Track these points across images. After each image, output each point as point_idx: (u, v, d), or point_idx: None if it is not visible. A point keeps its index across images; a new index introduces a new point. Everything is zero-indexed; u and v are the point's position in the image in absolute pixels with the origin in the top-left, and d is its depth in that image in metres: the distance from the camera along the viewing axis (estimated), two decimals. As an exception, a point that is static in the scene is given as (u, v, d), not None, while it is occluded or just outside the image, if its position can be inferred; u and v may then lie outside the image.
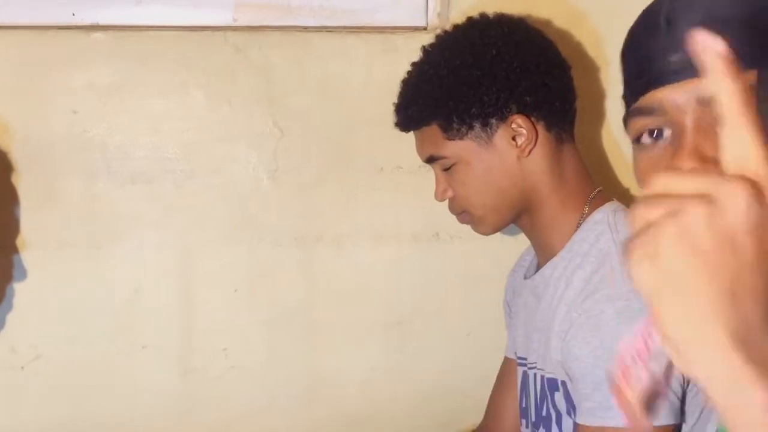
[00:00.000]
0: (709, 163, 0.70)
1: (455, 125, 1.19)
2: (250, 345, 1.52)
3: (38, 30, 1.41)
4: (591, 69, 1.49)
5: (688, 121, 0.73)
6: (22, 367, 1.46)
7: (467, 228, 1.28)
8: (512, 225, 1.27)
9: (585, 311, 1.07)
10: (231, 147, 1.48)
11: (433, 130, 1.21)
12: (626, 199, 1.25)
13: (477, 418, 1.47)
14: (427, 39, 1.29)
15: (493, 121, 1.18)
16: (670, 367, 0.65)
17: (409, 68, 1.28)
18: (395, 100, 1.28)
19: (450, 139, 1.20)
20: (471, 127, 1.18)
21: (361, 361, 1.55)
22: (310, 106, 1.49)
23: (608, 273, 1.09)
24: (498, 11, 1.26)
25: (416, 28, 1.47)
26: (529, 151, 1.18)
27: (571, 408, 1.13)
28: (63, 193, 1.44)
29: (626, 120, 0.79)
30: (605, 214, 1.17)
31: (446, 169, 1.23)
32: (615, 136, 1.49)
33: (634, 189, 1.31)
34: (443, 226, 1.52)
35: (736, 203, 0.50)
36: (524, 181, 1.19)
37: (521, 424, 1.30)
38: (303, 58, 1.48)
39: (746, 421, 0.51)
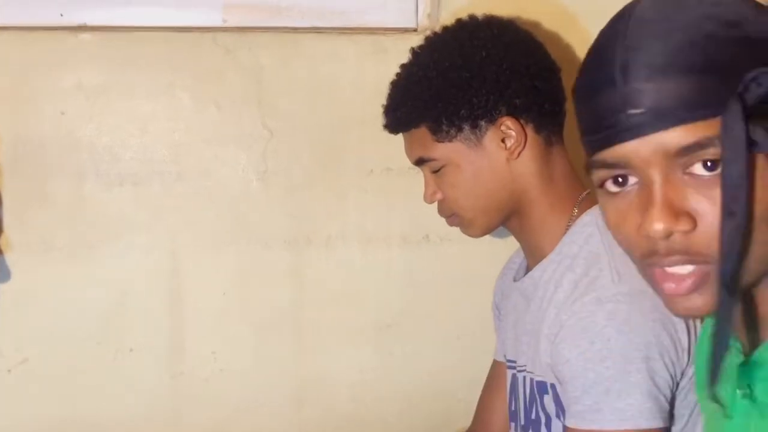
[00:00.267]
0: (680, 215, 0.70)
1: (444, 127, 1.18)
2: (239, 347, 1.52)
3: (26, 31, 1.40)
4: (581, 71, 1.49)
5: (656, 176, 0.72)
6: (9, 370, 1.45)
7: (457, 230, 1.28)
8: (502, 227, 1.26)
9: (574, 313, 1.07)
10: (220, 148, 1.48)
11: (422, 132, 1.21)
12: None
13: (467, 420, 1.47)
14: (417, 40, 1.29)
15: (483, 123, 1.18)
16: None
17: (398, 70, 1.27)
18: (385, 101, 1.28)
19: (439, 141, 1.19)
20: (460, 129, 1.18)
21: (351, 363, 1.55)
22: (299, 108, 1.48)
23: (598, 275, 1.09)
24: (488, 13, 1.26)
25: (406, 30, 1.47)
26: (519, 154, 1.18)
27: (561, 411, 1.13)
28: (51, 194, 1.43)
29: (588, 168, 0.78)
30: (594, 216, 1.17)
31: (435, 172, 1.23)
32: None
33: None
34: (433, 228, 1.52)
35: None
36: (513, 183, 1.19)
37: (510, 428, 1.30)
38: (292, 60, 1.48)
39: None
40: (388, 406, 1.56)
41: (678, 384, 1.06)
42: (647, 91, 0.70)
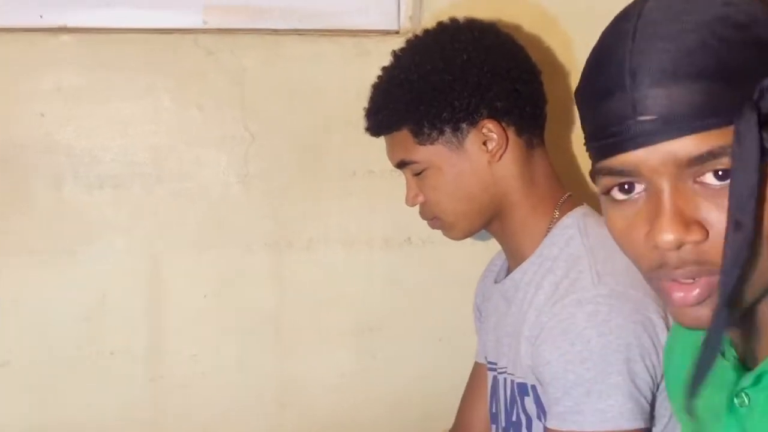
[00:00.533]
0: (691, 225, 0.68)
1: (426, 130, 1.18)
2: (220, 351, 1.51)
3: (5, 32, 1.38)
4: (561, 74, 1.50)
5: (666, 184, 0.69)
6: (-12, 374, 1.44)
7: (439, 233, 1.28)
8: (483, 230, 1.27)
9: (555, 315, 1.07)
10: (201, 151, 1.47)
11: (404, 134, 1.21)
12: (596, 204, 1.25)
13: (448, 423, 1.47)
14: (399, 42, 1.29)
15: (464, 126, 1.18)
16: None
17: (380, 72, 1.27)
18: (367, 104, 1.28)
19: (421, 144, 1.20)
20: (442, 132, 1.18)
21: (333, 366, 1.54)
22: (281, 110, 1.48)
23: (578, 277, 1.09)
24: (469, 15, 1.26)
25: (388, 32, 1.46)
26: (500, 156, 1.18)
27: (542, 413, 1.13)
28: (29, 197, 1.42)
29: (593, 175, 0.75)
30: (575, 219, 1.17)
31: (417, 174, 1.23)
32: (586, 140, 1.50)
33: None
34: (415, 231, 1.51)
35: None
36: (495, 186, 1.19)
37: (491, 429, 1.30)
38: (275, 61, 1.47)
39: None
40: (370, 409, 1.56)
41: (658, 385, 1.06)
42: (658, 97, 0.67)
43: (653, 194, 0.70)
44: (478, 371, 1.41)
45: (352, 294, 1.53)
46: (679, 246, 0.68)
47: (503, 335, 1.23)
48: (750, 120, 0.63)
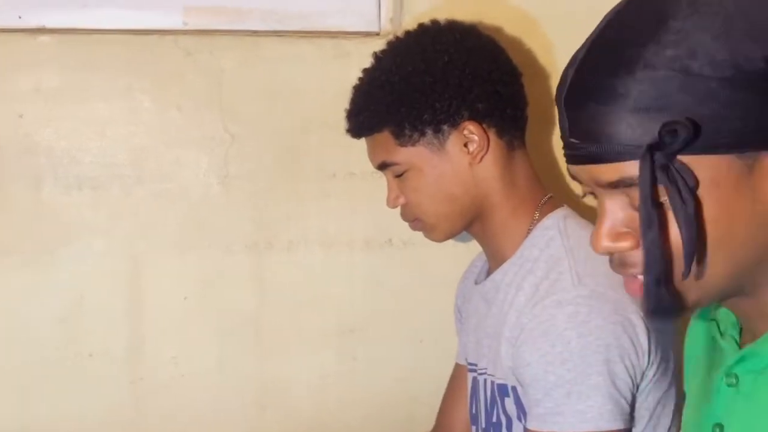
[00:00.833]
0: (621, 236, 0.73)
1: (407, 132, 1.18)
2: (201, 353, 1.50)
3: (-18, 32, 1.38)
4: (542, 76, 1.50)
5: (602, 197, 0.74)
6: (-35, 377, 1.43)
7: (420, 234, 1.28)
8: (464, 231, 1.27)
9: (535, 317, 1.08)
10: (180, 152, 1.46)
11: (385, 136, 1.21)
12: (577, 205, 1.26)
13: (429, 424, 1.47)
14: (380, 44, 1.29)
15: (445, 127, 1.18)
16: None
17: (361, 74, 1.27)
18: (347, 105, 1.28)
19: (402, 146, 1.20)
20: (423, 134, 1.18)
21: (314, 368, 1.54)
22: (261, 111, 1.47)
23: (558, 278, 1.10)
24: (450, 17, 1.27)
25: (368, 34, 1.46)
26: (481, 158, 1.19)
27: (522, 414, 1.14)
28: (8, 198, 1.41)
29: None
30: (555, 220, 1.18)
31: (398, 176, 1.23)
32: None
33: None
34: (396, 233, 1.52)
35: None
36: (476, 187, 1.20)
37: (472, 430, 1.30)
38: (254, 63, 1.47)
39: None
40: (351, 410, 1.56)
41: (638, 386, 1.07)
42: (582, 121, 0.72)
43: (600, 203, 0.75)
44: (458, 372, 1.42)
45: (332, 295, 1.53)
46: (611, 254, 0.75)
47: (483, 336, 1.23)
48: (646, 158, 0.67)
